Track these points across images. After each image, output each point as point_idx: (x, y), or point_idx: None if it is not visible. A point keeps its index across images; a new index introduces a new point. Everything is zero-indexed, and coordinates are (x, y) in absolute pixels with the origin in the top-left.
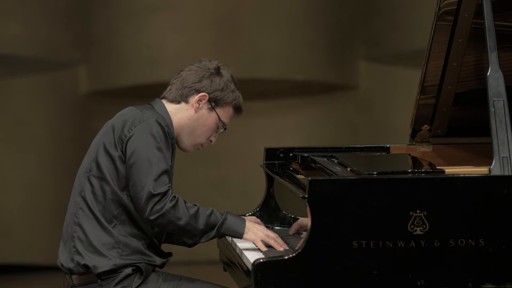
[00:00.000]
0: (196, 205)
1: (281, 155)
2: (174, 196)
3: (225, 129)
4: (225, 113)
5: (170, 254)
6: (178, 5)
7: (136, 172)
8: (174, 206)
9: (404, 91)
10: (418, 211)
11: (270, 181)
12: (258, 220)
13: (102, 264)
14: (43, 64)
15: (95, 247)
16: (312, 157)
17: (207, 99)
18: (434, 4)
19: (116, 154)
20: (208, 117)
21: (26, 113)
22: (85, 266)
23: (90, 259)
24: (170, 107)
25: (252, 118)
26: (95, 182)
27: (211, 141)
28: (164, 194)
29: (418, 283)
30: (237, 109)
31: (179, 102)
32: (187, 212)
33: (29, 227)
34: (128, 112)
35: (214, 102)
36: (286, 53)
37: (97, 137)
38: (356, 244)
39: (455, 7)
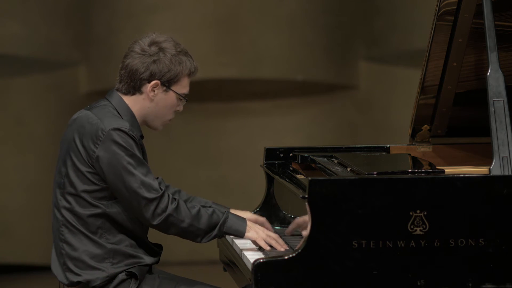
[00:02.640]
0: (196, 205)
1: (281, 155)
2: (174, 198)
3: (186, 100)
4: (181, 86)
5: (160, 248)
6: (178, 5)
7: (122, 185)
8: (176, 209)
9: (404, 91)
10: (418, 211)
11: (270, 181)
12: (264, 219)
13: (95, 277)
14: (43, 64)
15: (86, 262)
16: (312, 157)
17: (159, 84)
18: (434, 4)
19: (87, 170)
20: (167, 98)
21: (26, 113)
22: (79, 282)
23: (83, 275)
24: (128, 100)
25: (252, 118)
26: (71, 200)
27: (179, 111)
28: (161, 196)
29: (418, 283)
30: (192, 74)
31: (133, 94)
32: (189, 213)
33: (29, 227)
34: (88, 123)
35: (167, 83)
36: (286, 53)
37: (63, 146)
38: (356, 244)
39: (455, 7)
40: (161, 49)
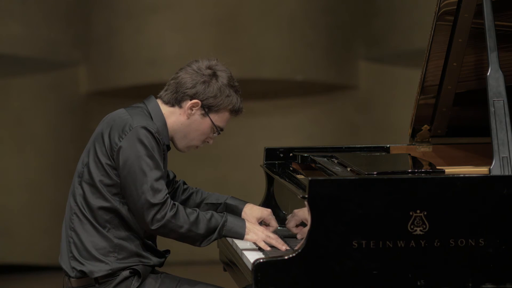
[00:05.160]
0: (195, 210)
1: (281, 155)
2: (174, 204)
3: (219, 133)
4: (220, 118)
5: (167, 252)
6: (178, 5)
7: (132, 183)
8: (175, 215)
9: (404, 91)
10: (418, 211)
11: (270, 181)
12: (270, 211)
13: (98, 269)
14: (43, 64)
15: (91, 253)
16: (312, 157)
17: (199, 105)
18: (434, 4)
19: (107, 162)
20: (201, 123)
21: (26, 113)
22: (82, 272)
23: (87, 265)
24: (165, 109)
25: (252, 118)
26: (86, 188)
27: (208, 142)
28: (163, 203)
29: (418, 283)
30: (234, 112)
31: (173, 105)
32: (187, 220)
33: (29, 227)
34: (119, 117)
35: (207, 108)
36: (286, 53)
37: (91, 139)
38: (356, 244)
39: (455, 7)
40: (215, 75)
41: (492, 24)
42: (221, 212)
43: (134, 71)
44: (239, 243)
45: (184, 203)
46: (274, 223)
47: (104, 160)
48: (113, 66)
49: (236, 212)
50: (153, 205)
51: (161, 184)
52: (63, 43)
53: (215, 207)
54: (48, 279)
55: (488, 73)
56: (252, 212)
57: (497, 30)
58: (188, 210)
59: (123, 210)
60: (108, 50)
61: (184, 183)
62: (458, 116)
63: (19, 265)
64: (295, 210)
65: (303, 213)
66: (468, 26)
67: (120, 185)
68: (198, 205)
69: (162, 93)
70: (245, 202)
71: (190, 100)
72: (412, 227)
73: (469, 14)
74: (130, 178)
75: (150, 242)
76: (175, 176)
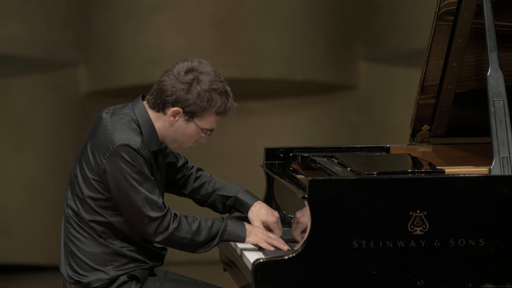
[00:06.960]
0: (196, 218)
1: (281, 155)
2: (176, 215)
3: (208, 134)
4: (205, 121)
5: (164, 249)
6: (178, 5)
7: (127, 202)
8: (177, 227)
9: (404, 91)
10: (418, 211)
11: (270, 181)
12: (276, 218)
13: (96, 278)
14: (43, 64)
15: (88, 264)
16: (312, 157)
17: (181, 112)
18: (434, 4)
19: (93, 177)
20: (187, 128)
21: (26, 113)
22: (79, 282)
23: (85, 276)
24: (152, 114)
25: (252, 118)
26: (77, 202)
27: (201, 142)
28: (164, 215)
29: (418, 283)
30: (221, 114)
31: (158, 111)
32: (190, 230)
33: (29, 227)
34: (102, 129)
35: (190, 114)
36: (286, 53)
37: (82, 146)
38: (356, 244)
39: (455, 7)
40: (196, 80)
41: (492, 24)
42: (231, 205)
43: (134, 71)
44: (239, 243)
45: (196, 191)
46: (277, 232)
47: (90, 175)
48: (113, 66)
49: (245, 208)
50: (154, 219)
51: (156, 194)
52: (63, 43)
53: (225, 199)
54: (48, 279)
55: (488, 73)
56: (258, 214)
57: (497, 30)
58: (190, 218)
59: (116, 221)
60: (108, 50)
61: (199, 170)
62: (458, 116)
63: (19, 265)
64: (298, 215)
65: (307, 219)
66: (468, 26)
67: (115, 205)
68: (209, 195)
69: (148, 96)
70: (256, 199)
71: (172, 107)
72: (412, 227)
73: (469, 14)
74: (124, 198)
75: (147, 244)
76: (186, 162)
